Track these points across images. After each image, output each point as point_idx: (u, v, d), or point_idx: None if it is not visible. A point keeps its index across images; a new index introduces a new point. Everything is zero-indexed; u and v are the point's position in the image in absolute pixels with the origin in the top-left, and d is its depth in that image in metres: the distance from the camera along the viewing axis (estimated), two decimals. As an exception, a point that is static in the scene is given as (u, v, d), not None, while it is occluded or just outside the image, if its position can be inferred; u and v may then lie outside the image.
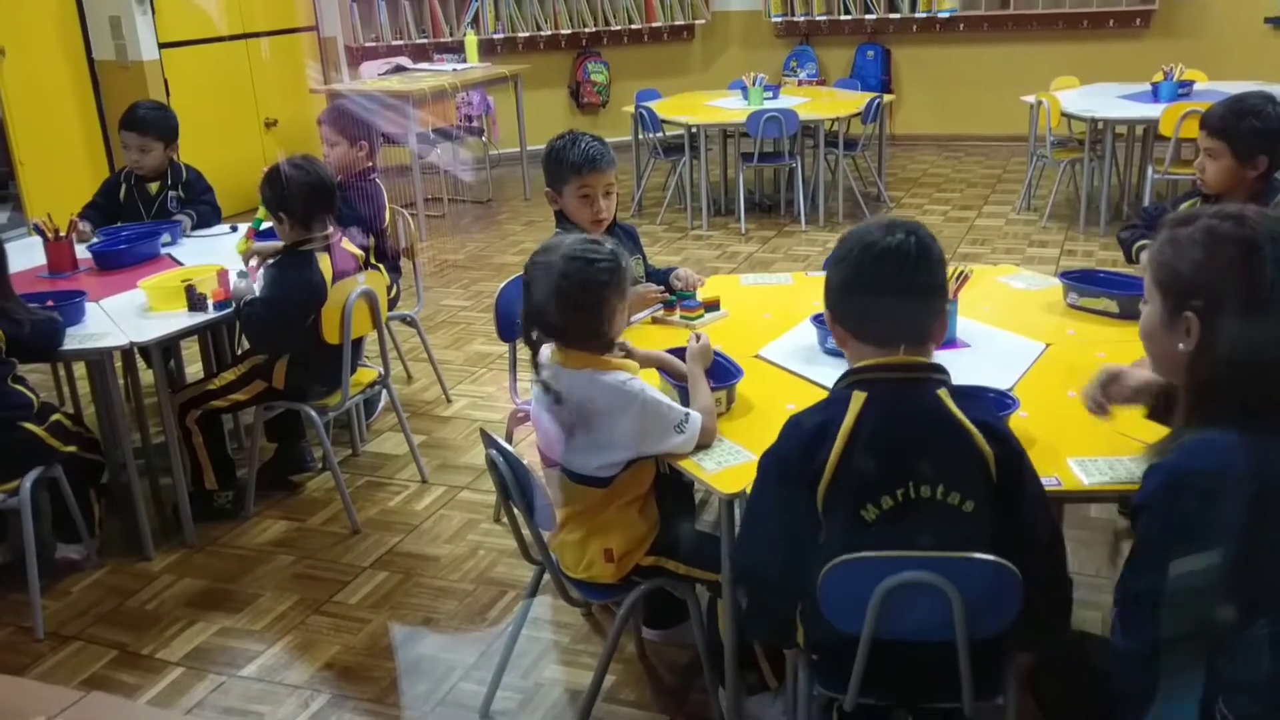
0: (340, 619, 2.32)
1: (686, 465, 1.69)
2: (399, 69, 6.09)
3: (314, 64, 6.44)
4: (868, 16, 6.96)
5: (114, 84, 5.44)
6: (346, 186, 3.06)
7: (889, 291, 1.40)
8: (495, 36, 6.85)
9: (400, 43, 6.58)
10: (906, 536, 1.35)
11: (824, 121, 5.28)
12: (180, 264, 2.94)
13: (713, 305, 2.29)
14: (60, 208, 3.15)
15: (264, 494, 2.83)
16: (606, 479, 1.75)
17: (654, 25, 7.26)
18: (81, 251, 2.99)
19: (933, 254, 1.40)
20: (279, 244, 2.65)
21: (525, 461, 1.75)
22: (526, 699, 2.04)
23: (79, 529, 2.49)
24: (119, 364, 2.76)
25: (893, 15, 6.91)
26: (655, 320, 2.28)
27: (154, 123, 3.25)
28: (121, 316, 2.55)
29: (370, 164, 3.23)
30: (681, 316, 2.26)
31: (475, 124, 6.32)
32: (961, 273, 2.12)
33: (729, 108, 5.47)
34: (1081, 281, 2.26)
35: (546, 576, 1.88)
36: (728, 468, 1.65)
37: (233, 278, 2.61)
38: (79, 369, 3.29)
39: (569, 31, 7.08)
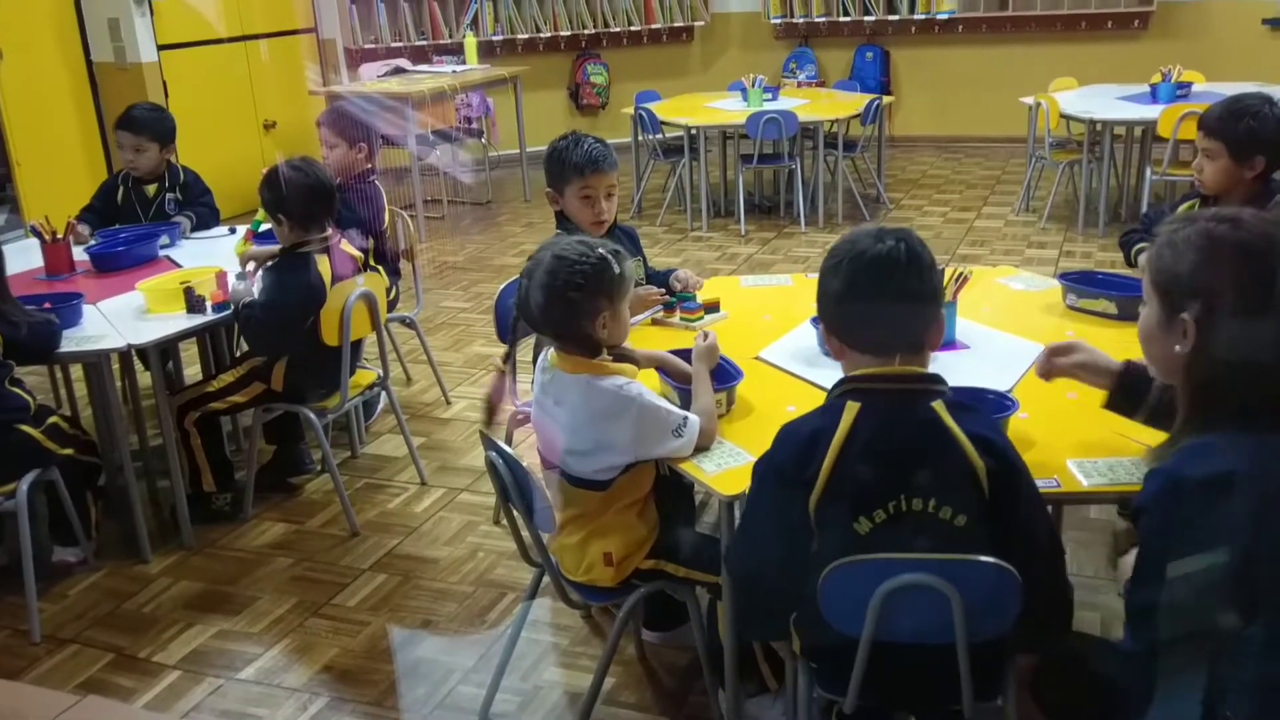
0: (339, 621, 2.31)
1: (686, 467, 1.68)
2: (398, 71, 6.08)
3: (313, 66, 6.44)
4: (867, 18, 6.96)
5: (112, 86, 5.43)
6: (346, 188, 3.05)
7: (881, 299, 1.39)
8: (494, 38, 6.85)
9: (399, 45, 6.58)
10: (899, 550, 1.35)
11: (823, 123, 5.27)
12: (178, 266, 2.94)
13: (712, 307, 2.29)
14: (58, 210, 3.15)
15: (262, 496, 2.83)
16: (605, 482, 1.75)
17: (653, 27, 7.27)
18: (79, 253, 2.99)
19: (924, 260, 1.40)
20: (274, 248, 2.65)
21: (525, 464, 1.75)
22: (526, 701, 2.03)
23: (76, 531, 2.49)
24: (116, 366, 2.76)
25: (892, 17, 6.92)
26: (655, 322, 2.27)
27: (149, 123, 3.24)
28: (119, 319, 2.55)
29: (369, 166, 3.23)
30: (681, 318, 2.26)
31: (475, 126, 6.32)
32: (961, 274, 2.12)
33: (728, 109, 5.47)
34: (1080, 283, 2.26)
35: (546, 579, 1.88)
36: (728, 469, 1.64)
37: (231, 280, 2.61)
38: (76, 371, 3.28)
39: (568, 33, 7.08)
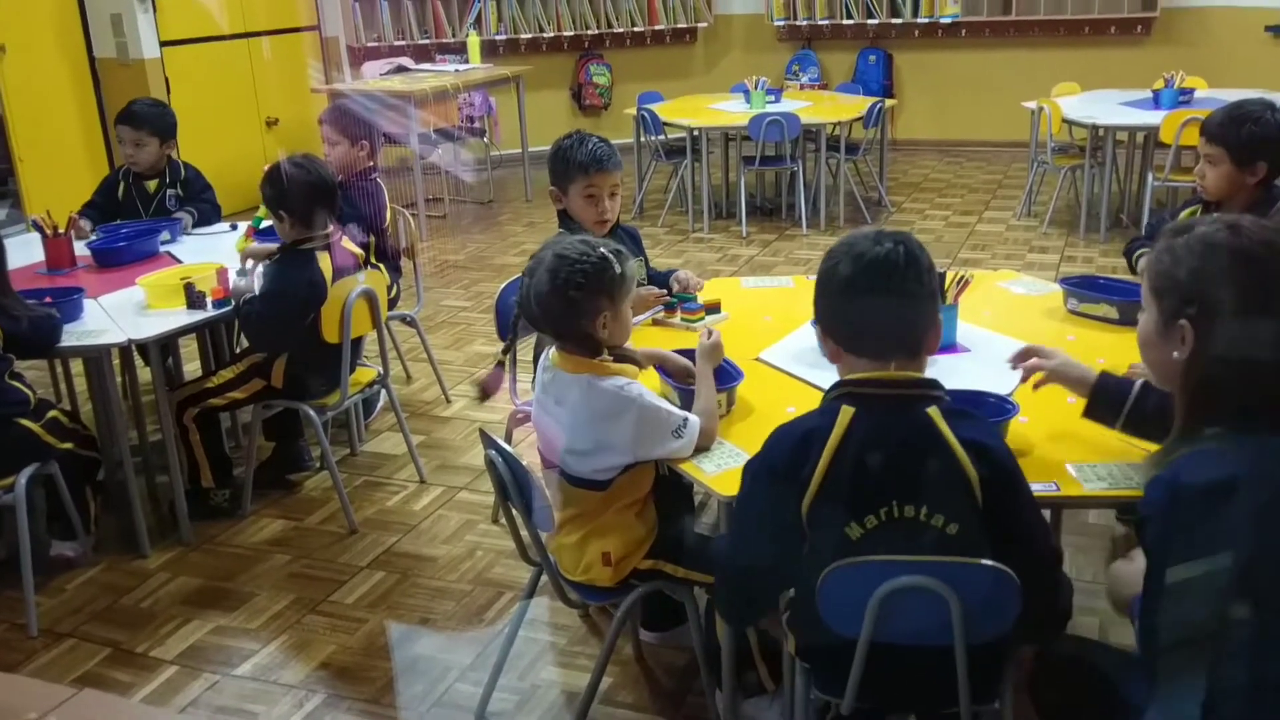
0: (336, 619, 2.31)
1: (686, 467, 1.68)
2: (401, 69, 6.09)
3: (316, 63, 6.45)
4: (870, 21, 6.97)
5: (115, 82, 5.43)
6: (347, 186, 3.05)
7: (879, 302, 1.38)
8: (498, 37, 6.85)
9: (402, 43, 6.58)
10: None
11: (825, 125, 5.27)
12: (179, 262, 2.94)
13: (713, 308, 2.29)
14: (59, 204, 3.15)
15: (261, 493, 2.83)
16: (604, 482, 1.75)
17: (656, 28, 7.27)
18: (80, 248, 2.99)
19: (922, 263, 1.39)
20: (273, 246, 2.64)
21: (524, 462, 1.75)
22: (523, 700, 2.03)
23: (74, 526, 2.49)
24: (117, 361, 2.76)
25: (895, 20, 6.92)
26: (656, 322, 2.27)
27: (149, 118, 3.24)
28: (120, 314, 2.55)
29: (371, 163, 3.23)
30: (682, 319, 2.26)
31: (477, 125, 6.32)
32: (962, 277, 2.12)
33: (731, 111, 5.47)
34: (1081, 287, 2.26)
35: (544, 578, 1.87)
36: (727, 470, 1.64)
37: (232, 276, 2.61)
38: (76, 366, 3.28)
39: (571, 33, 7.08)
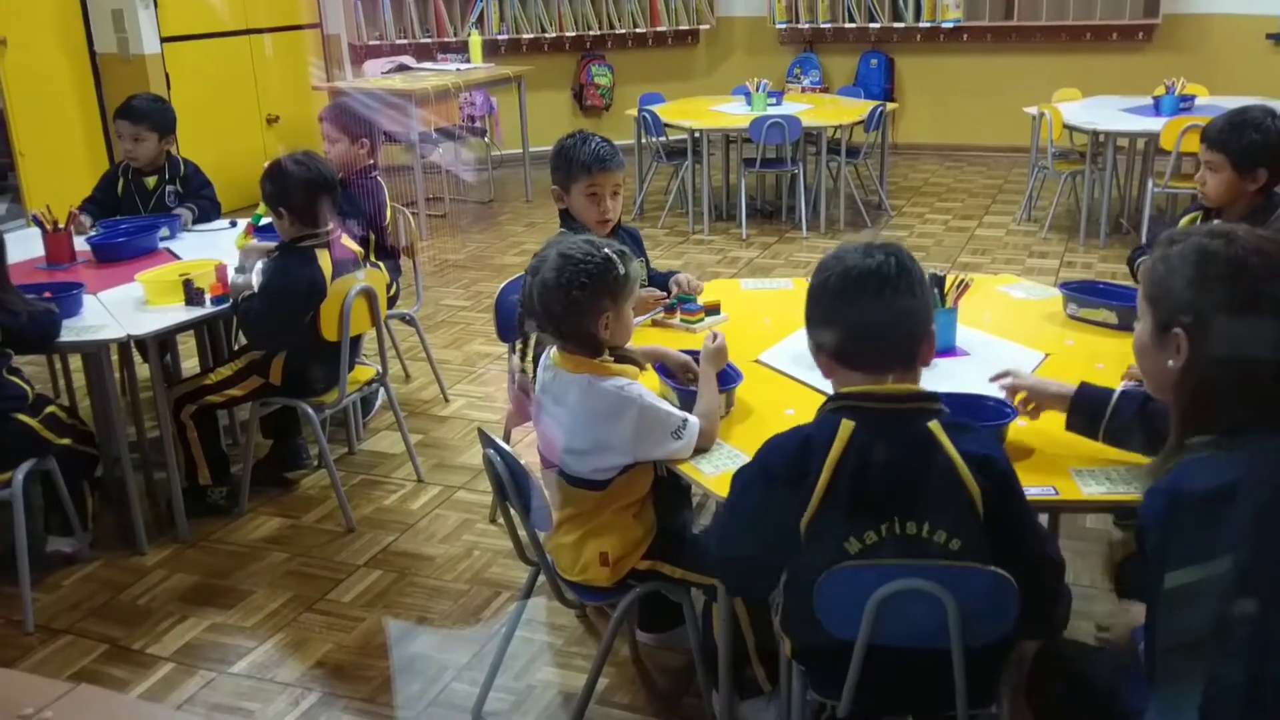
0: (333, 617, 2.31)
1: (685, 469, 1.68)
2: (402, 68, 6.09)
3: (317, 61, 6.44)
4: (872, 25, 6.97)
5: (115, 77, 5.43)
6: (347, 183, 3.05)
7: (873, 316, 1.37)
8: (499, 37, 6.85)
9: (404, 42, 6.58)
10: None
11: (827, 128, 5.28)
12: (178, 258, 2.93)
13: (713, 309, 2.29)
14: (59, 200, 3.14)
15: (258, 490, 2.82)
16: (603, 482, 1.75)
17: (658, 29, 7.27)
18: (80, 244, 2.98)
19: (914, 273, 1.38)
20: (270, 245, 2.64)
21: (523, 462, 1.75)
22: (519, 700, 2.03)
23: (71, 522, 2.48)
24: (115, 357, 2.76)
25: (897, 24, 6.93)
26: (656, 323, 2.27)
27: (148, 113, 3.23)
28: (119, 309, 2.54)
29: (371, 161, 3.23)
30: (681, 320, 2.26)
31: (478, 124, 6.32)
32: (962, 281, 2.12)
33: (732, 113, 5.47)
34: (1081, 292, 2.26)
35: (541, 578, 1.87)
36: (726, 471, 1.64)
37: (231, 273, 2.60)
38: (75, 361, 3.28)
39: (573, 34, 7.09)
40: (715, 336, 1.84)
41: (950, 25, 6.83)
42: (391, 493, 2.87)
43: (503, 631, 2.05)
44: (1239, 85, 5.53)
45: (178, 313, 2.53)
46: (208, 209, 3.34)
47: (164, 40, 5.53)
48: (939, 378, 1.82)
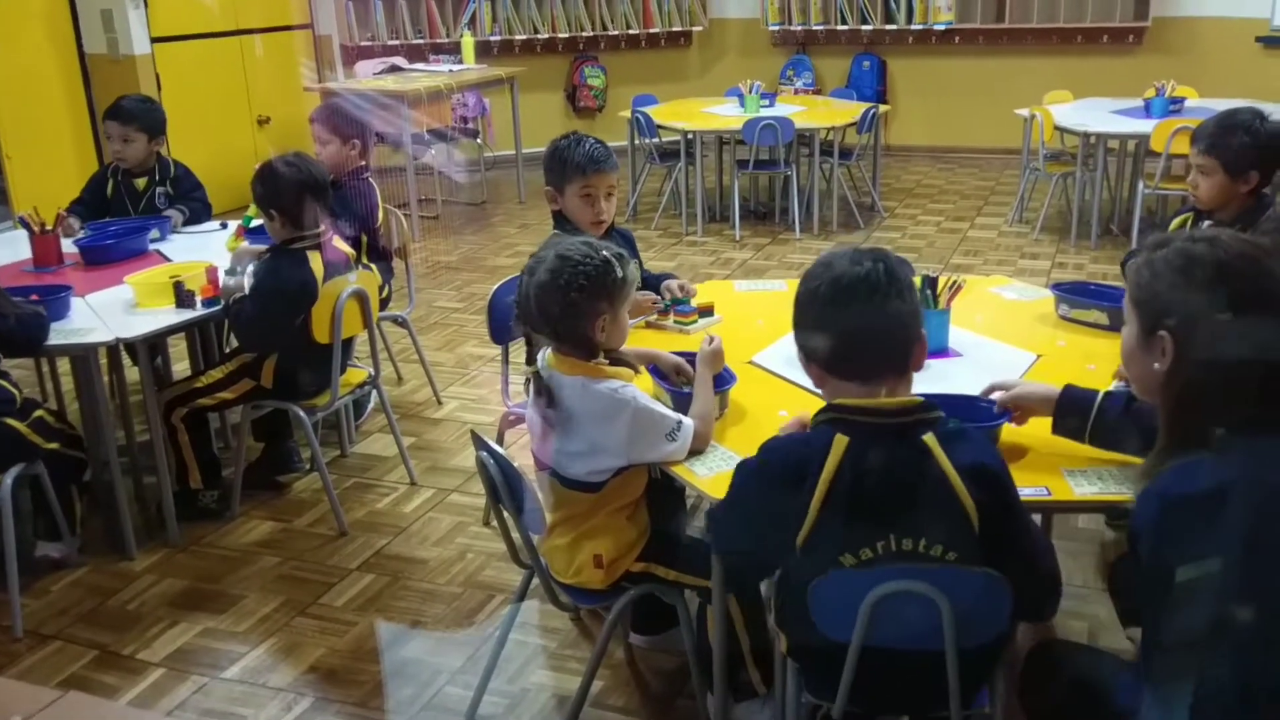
0: (326, 621, 2.30)
1: (679, 470, 1.68)
2: (394, 69, 6.07)
3: (308, 62, 6.42)
4: (864, 27, 6.99)
5: (105, 78, 5.40)
6: (339, 185, 3.04)
7: (864, 324, 1.36)
8: (492, 38, 6.84)
9: (396, 43, 6.56)
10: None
11: (819, 130, 5.29)
12: (168, 260, 2.92)
13: (706, 311, 2.29)
14: (47, 201, 3.12)
15: (250, 494, 2.81)
16: (597, 484, 1.74)
17: (651, 31, 7.27)
18: (68, 246, 2.96)
19: (903, 279, 1.37)
20: (261, 247, 2.63)
21: (516, 464, 1.74)
22: (513, 704, 2.02)
23: (60, 527, 2.46)
24: (104, 360, 2.74)
25: (889, 26, 6.95)
26: (650, 325, 2.27)
27: (137, 113, 3.21)
28: (108, 312, 2.53)
29: (363, 163, 3.21)
30: (675, 321, 2.26)
31: (470, 126, 6.30)
32: (954, 283, 2.13)
33: (725, 115, 5.47)
34: (1072, 293, 2.27)
35: (535, 581, 1.87)
36: (720, 473, 1.64)
37: (221, 275, 2.59)
38: (63, 365, 3.25)
39: (566, 35, 7.08)
40: (712, 339, 1.84)
41: (942, 28, 6.85)
42: (384, 496, 2.86)
43: (496, 635, 2.04)
44: (1228, 88, 5.56)
45: (168, 315, 2.51)
46: (198, 211, 3.33)
47: (154, 41, 5.50)
48: (932, 379, 1.82)
